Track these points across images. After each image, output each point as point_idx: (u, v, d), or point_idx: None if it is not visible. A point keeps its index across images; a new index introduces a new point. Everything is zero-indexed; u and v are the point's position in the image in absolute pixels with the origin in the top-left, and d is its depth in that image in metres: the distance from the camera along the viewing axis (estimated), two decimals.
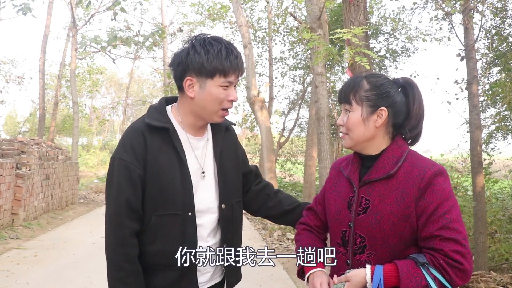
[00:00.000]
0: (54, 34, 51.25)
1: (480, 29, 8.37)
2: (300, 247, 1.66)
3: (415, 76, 11.26)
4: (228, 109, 1.76)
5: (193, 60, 1.67)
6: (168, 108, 1.83)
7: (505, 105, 9.80)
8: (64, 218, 10.20)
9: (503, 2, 8.94)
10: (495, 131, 10.74)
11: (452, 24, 8.82)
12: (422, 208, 1.46)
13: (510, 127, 10.57)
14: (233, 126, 2.02)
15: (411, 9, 11.04)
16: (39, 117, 17.72)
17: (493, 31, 9.41)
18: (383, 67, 13.41)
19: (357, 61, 4.16)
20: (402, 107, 1.59)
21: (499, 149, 10.50)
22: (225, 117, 1.80)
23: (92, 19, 15.85)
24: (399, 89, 1.62)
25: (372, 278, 1.43)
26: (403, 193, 1.49)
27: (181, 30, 16.53)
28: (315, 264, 1.61)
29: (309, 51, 6.66)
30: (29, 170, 8.73)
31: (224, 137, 1.89)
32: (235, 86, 1.75)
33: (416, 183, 1.48)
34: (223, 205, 1.80)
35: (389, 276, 1.42)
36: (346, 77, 12.74)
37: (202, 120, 1.78)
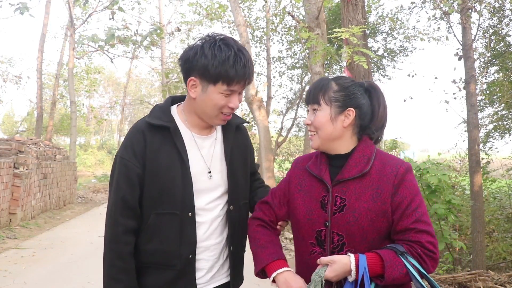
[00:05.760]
0: (52, 33, 51.20)
1: (478, 29, 8.40)
2: (263, 245, 1.70)
3: (413, 76, 11.27)
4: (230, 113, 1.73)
5: (199, 62, 1.63)
6: (173, 107, 1.81)
7: (503, 105, 9.83)
8: (62, 217, 10.18)
9: (500, 2, 8.96)
10: (493, 131, 10.77)
11: (450, 24, 8.85)
12: (397, 203, 1.54)
13: (507, 126, 10.60)
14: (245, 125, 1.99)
15: (409, 8, 11.06)
16: (37, 116, 17.66)
17: (491, 31, 9.44)
18: (381, 67, 13.43)
19: (355, 61, 4.16)
20: (367, 109, 1.66)
21: (496, 148, 10.53)
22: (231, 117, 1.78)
23: (90, 19, 15.83)
24: (365, 92, 1.68)
25: (357, 266, 1.46)
26: (378, 190, 1.56)
27: (179, 30, 16.49)
28: (287, 268, 1.63)
29: (307, 51, 6.67)
30: (26, 169, 8.71)
31: (235, 137, 1.86)
32: (240, 93, 1.71)
33: (390, 180, 1.56)
34: (231, 207, 1.78)
35: (373, 264, 1.47)
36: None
37: (204, 120, 1.76)
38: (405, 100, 19.54)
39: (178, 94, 12.77)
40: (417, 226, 1.51)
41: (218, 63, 1.60)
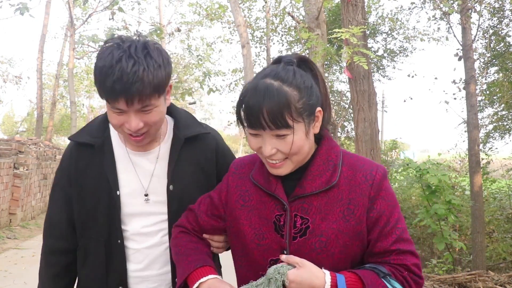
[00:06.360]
0: (52, 34, 51.40)
1: (477, 29, 8.42)
2: (185, 253, 1.36)
3: (413, 76, 11.30)
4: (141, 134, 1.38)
5: (95, 68, 1.32)
6: None
7: (503, 105, 9.84)
8: None
9: (500, 2, 8.97)
10: (493, 131, 10.78)
11: (450, 24, 8.87)
12: (373, 220, 1.22)
13: (507, 126, 10.61)
14: (212, 133, 1.60)
15: (409, 9, 11.08)
16: (37, 117, 17.66)
17: (491, 31, 9.45)
18: (381, 67, 13.44)
19: (355, 61, 4.17)
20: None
21: (496, 148, 10.55)
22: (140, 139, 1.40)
23: (90, 19, 15.84)
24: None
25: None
26: (351, 205, 1.21)
27: (179, 30, 16.52)
28: (213, 276, 1.27)
29: (307, 51, 6.67)
30: (26, 170, 8.71)
31: (183, 152, 1.51)
32: (141, 110, 1.31)
33: (365, 191, 1.22)
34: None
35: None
36: (344, 76, 12.75)
37: None
38: (405, 101, 19.62)
39: (178, 94, 12.77)
40: (399, 247, 1.20)
41: (97, 73, 1.30)
